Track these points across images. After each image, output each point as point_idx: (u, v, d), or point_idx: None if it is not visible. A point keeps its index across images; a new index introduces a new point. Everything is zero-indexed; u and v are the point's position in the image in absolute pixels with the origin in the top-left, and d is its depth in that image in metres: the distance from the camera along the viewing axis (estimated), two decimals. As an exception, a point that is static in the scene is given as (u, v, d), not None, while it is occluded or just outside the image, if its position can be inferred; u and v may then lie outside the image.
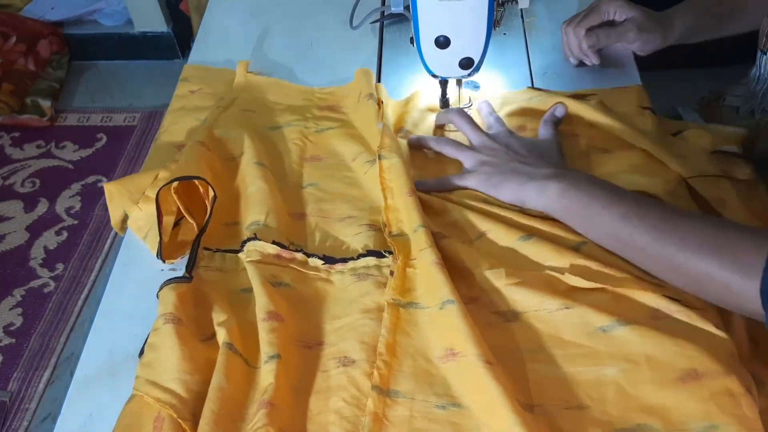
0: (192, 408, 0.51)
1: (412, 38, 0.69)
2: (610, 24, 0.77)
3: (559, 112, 0.71)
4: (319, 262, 0.61)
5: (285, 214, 0.65)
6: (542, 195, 0.59)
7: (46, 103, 1.84)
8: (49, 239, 1.58)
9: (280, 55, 0.87)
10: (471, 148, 0.68)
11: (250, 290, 0.58)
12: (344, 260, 0.61)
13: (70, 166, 1.75)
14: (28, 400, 1.30)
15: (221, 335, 0.54)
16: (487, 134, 0.69)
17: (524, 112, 0.74)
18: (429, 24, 0.65)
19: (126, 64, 2.05)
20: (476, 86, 0.78)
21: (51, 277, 1.50)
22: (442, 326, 0.53)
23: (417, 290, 0.57)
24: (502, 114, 0.74)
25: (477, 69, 0.69)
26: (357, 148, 0.70)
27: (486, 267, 0.57)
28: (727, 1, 0.77)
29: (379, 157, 0.65)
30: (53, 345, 1.38)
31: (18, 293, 1.48)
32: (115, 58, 2.05)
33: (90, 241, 1.57)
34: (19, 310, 1.45)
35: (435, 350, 0.53)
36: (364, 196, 0.67)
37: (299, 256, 0.61)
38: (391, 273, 0.58)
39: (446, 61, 0.68)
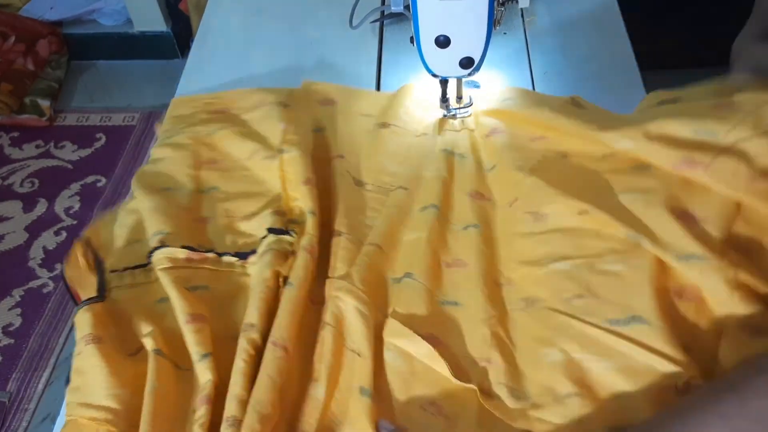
0: (130, 419, 0.51)
1: (412, 38, 0.69)
2: None
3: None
4: (233, 259, 0.62)
5: (189, 221, 0.65)
6: None
7: (45, 103, 1.84)
8: (48, 239, 1.58)
9: (280, 55, 0.87)
10: None
11: (167, 299, 0.58)
12: (255, 251, 0.62)
13: (69, 166, 1.74)
14: (27, 400, 1.30)
15: (148, 344, 0.55)
16: None
17: (496, 114, 0.73)
18: (429, 23, 0.65)
19: (125, 63, 2.05)
20: (476, 86, 0.78)
21: (50, 278, 1.50)
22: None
23: (293, 271, 0.59)
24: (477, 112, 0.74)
25: (477, 68, 0.69)
26: (252, 146, 0.71)
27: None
28: None
29: (281, 152, 0.67)
30: (52, 345, 1.38)
31: (17, 293, 1.47)
32: (115, 58, 2.04)
33: (89, 241, 1.57)
34: (18, 310, 1.44)
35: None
36: (267, 191, 0.68)
37: (211, 256, 0.62)
38: (293, 252, 0.60)
39: (446, 61, 0.68)
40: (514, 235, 0.62)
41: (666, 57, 0.79)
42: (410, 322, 0.55)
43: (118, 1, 1.97)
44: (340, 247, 0.61)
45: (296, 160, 0.66)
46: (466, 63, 0.68)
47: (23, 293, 1.47)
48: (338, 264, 0.59)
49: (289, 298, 0.55)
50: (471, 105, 0.75)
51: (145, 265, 0.62)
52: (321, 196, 0.64)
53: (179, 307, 0.56)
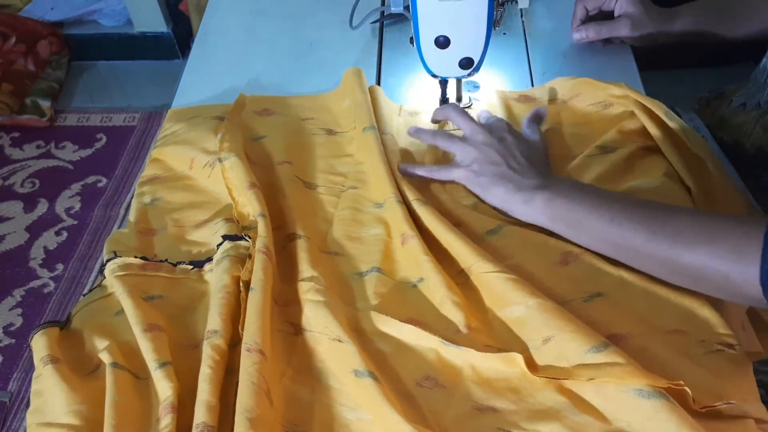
0: None
1: (411, 38, 0.69)
2: (609, 14, 0.77)
3: (543, 112, 0.70)
4: (188, 268, 0.62)
5: (137, 234, 0.66)
6: (528, 206, 0.60)
7: (45, 104, 1.84)
8: (49, 239, 1.58)
9: (280, 55, 0.87)
10: (464, 140, 0.67)
11: (122, 312, 0.58)
12: (211, 259, 0.62)
13: (70, 166, 1.75)
14: (28, 400, 1.30)
15: (105, 358, 0.55)
16: (482, 126, 0.67)
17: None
18: (429, 24, 0.65)
19: (126, 64, 2.05)
20: (476, 86, 0.78)
21: (51, 278, 1.50)
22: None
23: (253, 275, 0.58)
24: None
25: (477, 69, 0.69)
26: (191, 155, 0.71)
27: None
28: (739, 1, 0.77)
29: (220, 160, 0.68)
30: (53, 345, 1.38)
31: (18, 293, 1.48)
32: (115, 59, 2.05)
33: (90, 242, 1.57)
34: (19, 310, 1.45)
35: None
36: (213, 198, 0.69)
37: (165, 265, 0.62)
38: (249, 256, 0.60)
39: (446, 61, 0.68)
40: (464, 208, 0.64)
41: (666, 57, 0.79)
42: (387, 311, 0.57)
43: (118, 2, 1.97)
44: (301, 249, 0.61)
45: (237, 165, 0.66)
46: (466, 63, 0.68)
47: (24, 293, 1.48)
48: (303, 266, 0.60)
49: (255, 302, 0.55)
50: (471, 105, 0.75)
51: (101, 282, 0.62)
52: (269, 200, 0.65)
53: (134, 317, 0.56)
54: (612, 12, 0.78)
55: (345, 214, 0.65)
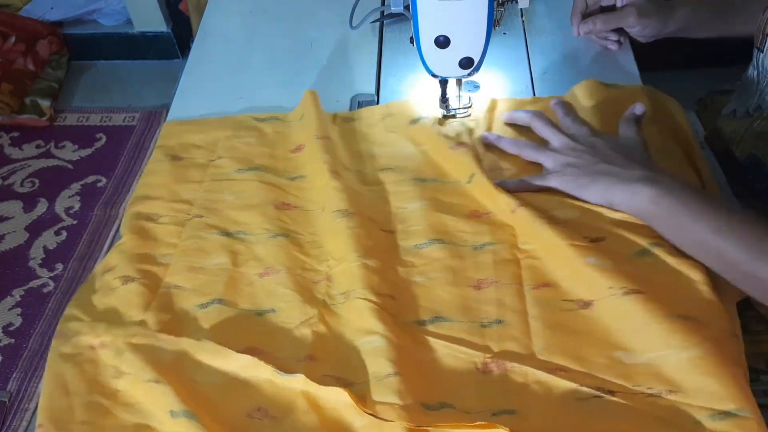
0: None
1: (411, 38, 0.69)
2: (612, 9, 0.77)
3: (638, 110, 0.69)
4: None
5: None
6: (632, 198, 0.58)
7: (45, 103, 1.84)
8: (49, 239, 1.58)
9: (280, 55, 0.87)
10: (552, 149, 0.66)
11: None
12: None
13: (70, 166, 1.75)
14: (27, 399, 1.30)
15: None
16: (568, 135, 0.67)
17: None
18: (429, 24, 0.65)
19: (125, 64, 2.05)
20: (476, 86, 0.78)
21: (50, 277, 1.50)
22: None
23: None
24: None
25: (477, 69, 0.69)
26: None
27: None
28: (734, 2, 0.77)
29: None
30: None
31: (17, 293, 1.47)
32: (115, 58, 2.04)
33: (89, 241, 1.57)
34: (19, 310, 1.44)
35: None
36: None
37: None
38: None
39: (446, 61, 0.68)
40: (328, 234, 0.65)
41: (666, 57, 0.79)
42: (227, 340, 0.57)
43: (118, 2, 1.97)
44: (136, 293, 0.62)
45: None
46: (466, 63, 0.68)
47: (23, 293, 1.47)
48: (133, 312, 0.61)
49: None
50: (470, 105, 0.75)
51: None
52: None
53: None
54: (611, 7, 0.78)
55: (188, 243, 0.66)
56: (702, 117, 0.86)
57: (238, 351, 0.56)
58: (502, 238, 0.63)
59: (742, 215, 0.55)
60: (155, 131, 1.80)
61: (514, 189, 0.65)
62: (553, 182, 0.64)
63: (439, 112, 0.75)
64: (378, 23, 0.89)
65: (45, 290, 1.48)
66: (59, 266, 1.52)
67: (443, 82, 0.73)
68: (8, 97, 1.79)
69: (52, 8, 2.00)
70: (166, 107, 0.81)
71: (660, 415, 0.50)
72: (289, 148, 0.74)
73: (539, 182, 0.65)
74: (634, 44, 0.81)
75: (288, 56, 0.87)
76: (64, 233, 1.59)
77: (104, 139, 1.81)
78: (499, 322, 0.57)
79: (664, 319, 0.53)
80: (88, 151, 1.78)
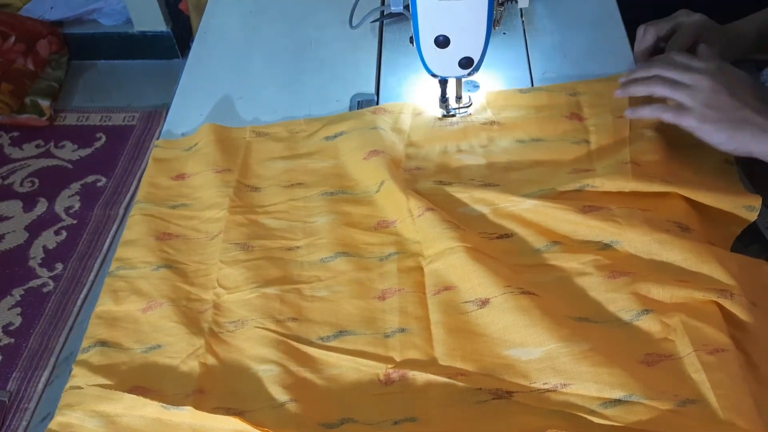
0: None
1: (411, 38, 0.69)
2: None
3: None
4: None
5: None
6: (757, 145, 0.57)
7: (45, 103, 1.84)
8: (48, 239, 1.58)
9: (279, 55, 0.87)
10: (689, 87, 0.61)
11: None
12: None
13: (70, 165, 1.75)
14: (27, 399, 1.30)
15: None
16: (705, 71, 0.61)
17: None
18: (429, 23, 0.65)
19: (125, 63, 2.05)
20: (476, 86, 0.78)
21: (50, 277, 1.50)
22: None
23: None
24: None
25: (477, 69, 0.69)
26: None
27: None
28: None
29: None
30: (52, 345, 1.38)
31: (17, 293, 1.47)
32: (115, 58, 2.04)
33: (89, 241, 1.57)
34: (19, 309, 1.44)
35: None
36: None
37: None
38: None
39: (446, 61, 0.68)
40: (217, 263, 0.64)
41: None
42: (114, 382, 0.57)
43: (118, 1, 1.97)
44: None
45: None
46: (466, 63, 0.68)
47: (23, 292, 1.48)
48: None
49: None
50: (470, 105, 0.75)
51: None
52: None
53: None
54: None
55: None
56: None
57: (124, 391, 0.55)
58: (406, 247, 0.63)
59: None
60: (155, 131, 1.81)
61: (646, 116, 0.63)
62: (689, 121, 0.60)
63: (439, 112, 0.75)
64: (378, 23, 0.89)
65: (45, 290, 1.48)
66: (59, 266, 1.52)
67: (443, 82, 0.73)
68: (8, 97, 1.79)
69: (52, 8, 2.00)
70: (166, 107, 0.81)
71: (556, 409, 0.51)
72: (171, 175, 0.74)
73: (674, 116, 0.61)
74: (634, 43, 0.81)
75: (288, 56, 0.87)
76: (64, 233, 1.59)
77: (104, 139, 1.81)
78: (402, 330, 0.58)
79: (556, 314, 0.54)
80: (88, 151, 1.78)
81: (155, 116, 1.85)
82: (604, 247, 0.60)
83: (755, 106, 0.59)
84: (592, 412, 0.50)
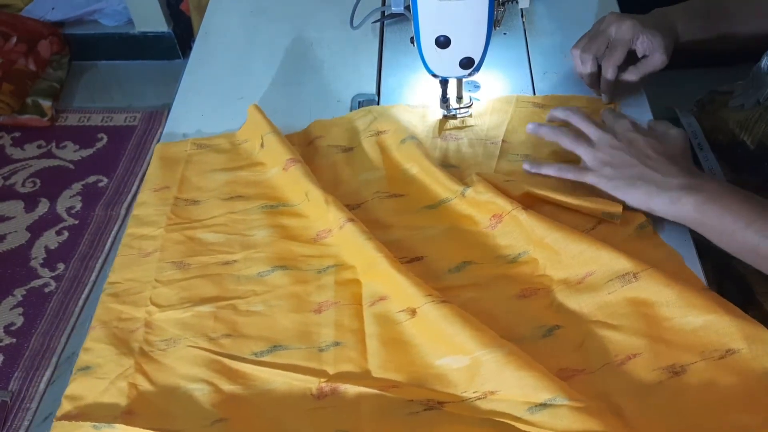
0: None
1: (412, 38, 0.69)
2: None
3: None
4: None
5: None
6: (674, 207, 0.57)
7: (46, 103, 1.84)
8: (50, 239, 1.58)
9: (280, 56, 0.87)
10: (590, 143, 0.64)
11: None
12: None
13: (71, 166, 1.75)
14: (29, 399, 1.30)
15: None
16: (607, 130, 0.64)
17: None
18: (429, 24, 0.65)
19: (126, 64, 2.05)
20: (476, 86, 0.78)
21: (52, 277, 1.50)
22: None
23: None
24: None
25: (477, 69, 0.69)
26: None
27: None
28: (719, 5, 0.76)
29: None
30: (54, 345, 1.38)
31: (19, 293, 1.48)
32: (116, 58, 2.05)
33: (91, 241, 1.57)
34: (20, 309, 1.45)
35: None
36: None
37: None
38: None
39: (446, 61, 0.68)
40: (151, 282, 0.64)
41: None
42: (57, 413, 0.56)
43: (119, 2, 1.97)
44: None
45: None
46: (466, 63, 0.68)
47: (25, 293, 1.48)
48: None
49: None
50: (471, 105, 0.75)
51: None
52: None
53: None
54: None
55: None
56: (700, 117, 0.86)
57: (58, 419, 0.55)
58: (344, 259, 0.63)
59: None
60: (156, 131, 1.81)
61: (550, 173, 0.64)
62: (589, 179, 0.62)
63: (440, 112, 0.75)
64: (378, 23, 0.89)
65: (46, 290, 1.48)
66: (60, 266, 1.52)
67: (444, 82, 0.73)
68: (9, 98, 1.79)
69: (53, 8, 2.00)
70: (167, 107, 0.81)
71: (486, 417, 0.51)
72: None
73: (575, 175, 0.63)
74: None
75: (289, 57, 0.87)
76: (66, 233, 1.59)
77: (105, 139, 1.81)
78: (337, 344, 0.57)
79: (476, 322, 0.54)
80: (89, 151, 1.78)
81: (156, 117, 1.85)
82: (513, 260, 0.61)
83: (653, 163, 0.60)
84: (519, 419, 0.50)
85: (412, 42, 0.69)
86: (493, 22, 0.65)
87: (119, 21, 2.00)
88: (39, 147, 1.80)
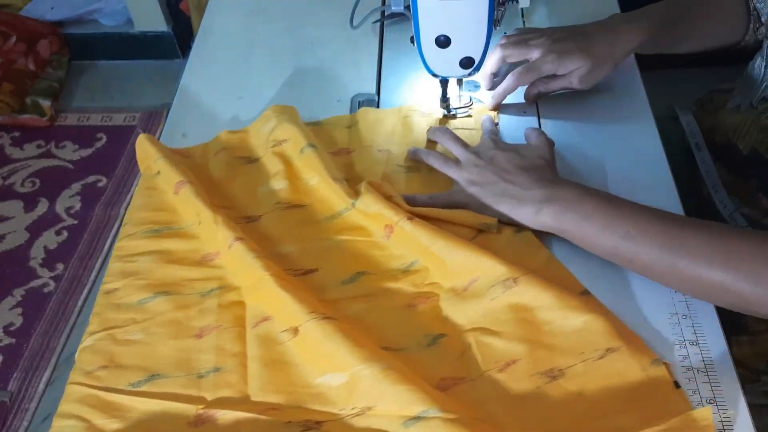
0: None
1: (412, 38, 0.69)
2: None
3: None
4: None
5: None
6: (536, 218, 0.59)
7: (46, 103, 1.84)
8: (49, 239, 1.58)
9: (280, 55, 0.87)
10: (457, 164, 0.67)
11: None
12: None
13: (70, 165, 1.75)
14: (28, 399, 1.30)
15: None
16: (471, 149, 0.67)
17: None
18: (429, 23, 0.65)
19: (126, 63, 2.05)
20: (477, 86, 0.78)
21: (51, 277, 1.50)
22: None
23: None
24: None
25: (477, 68, 0.69)
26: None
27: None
28: (682, 20, 0.75)
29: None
30: (53, 345, 1.38)
31: (18, 293, 1.48)
32: (115, 58, 2.05)
33: (90, 241, 1.57)
34: (19, 309, 1.45)
35: None
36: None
37: None
38: None
39: (447, 61, 0.68)
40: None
41: (666, 57, 0.79)
42: None
43: (118, 1, 1.97)
44: None
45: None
46: (467, 63, 0.68)
47: (24, 293, 1.48)
48: None
49: None
50: (471, 105, 0.75)
51: None
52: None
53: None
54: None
55: None
56: (699, 116, 0.86)
57: None
58: (228, 281, 0.62)
59: (650, 215, 0.55)
60: (156, 131, 1.81)
61: (423, 204, 0.64)
62: (457, 198, 0.64)
63: (440, 112, 0.75)
64: (378, 23, 0.89)
65: (46, 290, 1.48)
66: (60, 266, 1.52)
67: (444, 82, 0.73)
68: (9, 97, 1.79)
69: (52, 8, 2.00)
70: (167, 107, 0.81)
71: None
72: None
73: (446, 199, 0.65)
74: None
75: (289, 56, 0.87)
76: (65, 233, 1.59)
77: (105, 139, 1.81)
78: (217, 369, 0.56)
79: (357, 337, 0.54)
80: (89, 151, 1.78)
81: (156, 116, 1.85)
82: (406, 269, 0.61)
83: (514, 178, 0.62)
84: None
85: (412, 42, 0.69)
86: (493, 22, 0.65)
87: (119, 20, 2.00)
88: (38, 147, 1.80)
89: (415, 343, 0.56)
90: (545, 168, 0.64)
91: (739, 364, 0.54)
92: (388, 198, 0.63)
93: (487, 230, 0.62)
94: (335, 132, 0.75)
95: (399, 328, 0.57)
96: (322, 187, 0.67)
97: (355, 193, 0.64)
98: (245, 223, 0.66)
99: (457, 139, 0.69)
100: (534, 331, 0.54)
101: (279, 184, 0.69)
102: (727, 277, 0.50)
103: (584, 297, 0.56)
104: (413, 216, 0.61)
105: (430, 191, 0.67)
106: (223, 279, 0.62)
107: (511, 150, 0.66)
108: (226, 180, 0.71)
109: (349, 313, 0.58)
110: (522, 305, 0.55)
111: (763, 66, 0.75)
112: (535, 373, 0.52)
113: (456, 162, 0.67)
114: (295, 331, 0.56)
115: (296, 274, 0.61)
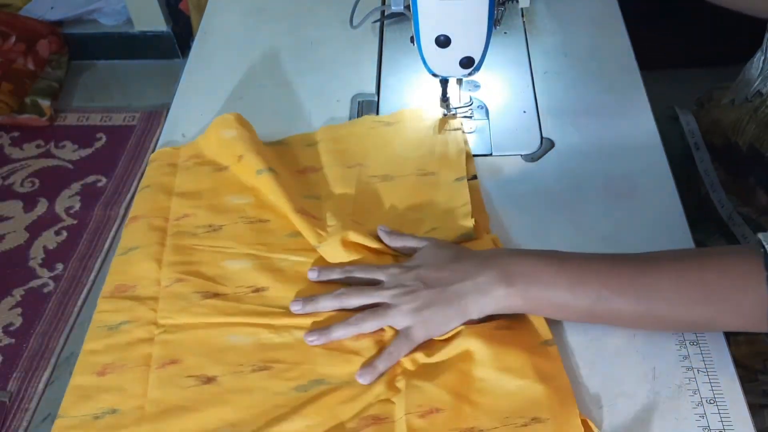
0: None
1: (412, 37, 0.69)
2: None
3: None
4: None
5: None
6: (487, 307, 0.54)
7: (45, 103, 1.84)
8: (49, 239, 1.58)
9: (280, 55, 0.87)
10: (382, 286, 0.58)
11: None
12: None
13: (70, 165, 1.75)
14: (27, 400, 1.30)
15: None
16: (385, 284, 0.58)
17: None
18: (429, 23, 0.65)
19: (125, 63, 2.05)
20: (477, 86, 0.78)
21: (50, 277, 1.50)
22: None
23: None
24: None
25: (477, 68, 0.69)
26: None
27: None
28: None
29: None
30: (53, 345, 1.38)
31: (17, 293, 1.47)
32: (115, 58, 2.04)
33: (89, 241, 1.57)
34: (19, 310, 1.45)
35: None
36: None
37: None
38: None
39: (447, 61, 0.68)
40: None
41: (666, 57, 0.79)
42: None
43: (118, 1, 1.97)
44: None
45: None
46: (467, 63, 0.68)
47: (24, 293, 1.48)
48: None
49: None
50: (471, 104, 0.75)
51: None
52: None
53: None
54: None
55: None
56: (699, 115, 0.86)
57: None
58: (140, 315, 0.59)
59: (614, 267, 0.53)
60: (155, 131, 1.81)
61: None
62: (416, 333, 0.55)
63: (440, 112, 0.75)
64: (378, 22, 0.89)
65: (45, 290, 1.48)
66: (59, 266, 1.52)
67: (444, 82, 0.73)
68: (8, 97, 1.79)
69: (52, 8, 2.00)
70: (167, 107, 0.81)
71: None
72: None
73: (404, 342, 0.55)
74: (635, 42, 0.81)
75: (288, 56, 0.87)
76: (65, 233, 1.59)
77: (104, 139, 1.81)
78: (114, 411, 0.54)
79: (287, 392, 0.54)
80: (88, 151, 1.78)
81: (155, 116, 1.85)
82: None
83: (457, 274, 0.55)
84: None
85: (412, 41, 0.69)
86: (493, 22, 0.65)
87: (118, 20, 2.00)
88: (38, 147, 1.80)
89: (347, 381, 0.54)
90: (464, 249, 0.60)
91: (737, 364, 0.54)
92: (356, 248, 0.61)
93: (466, 240, 0.62)
94: (297, 151, 0.74)
95: (332, 361, 0.56)
96: (283, 208, 0.65)
97: (318, 236, 0.63)
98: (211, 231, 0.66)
99: (370, 267, 0.60)
100: (465, 386, 0.52)
101: (244, 200, 0.68)
102: (708, 312, 0.51)
103: (538, 350, 0.54)
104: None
105: (408, 200, 0.67)
106: (134, 312, 0.60)
107: (415, 262, 0.59)
108: (198, 188, 0.70)
109: (284, 341, 0.57)
110: (464, 352, 0.54)
111: (762, 60, 0.74)
112: (455, 428, 0.50)
113: (385, 307, 0.56)
114: (209, 379, 0.55)
115: (248, 291, 0.60)
